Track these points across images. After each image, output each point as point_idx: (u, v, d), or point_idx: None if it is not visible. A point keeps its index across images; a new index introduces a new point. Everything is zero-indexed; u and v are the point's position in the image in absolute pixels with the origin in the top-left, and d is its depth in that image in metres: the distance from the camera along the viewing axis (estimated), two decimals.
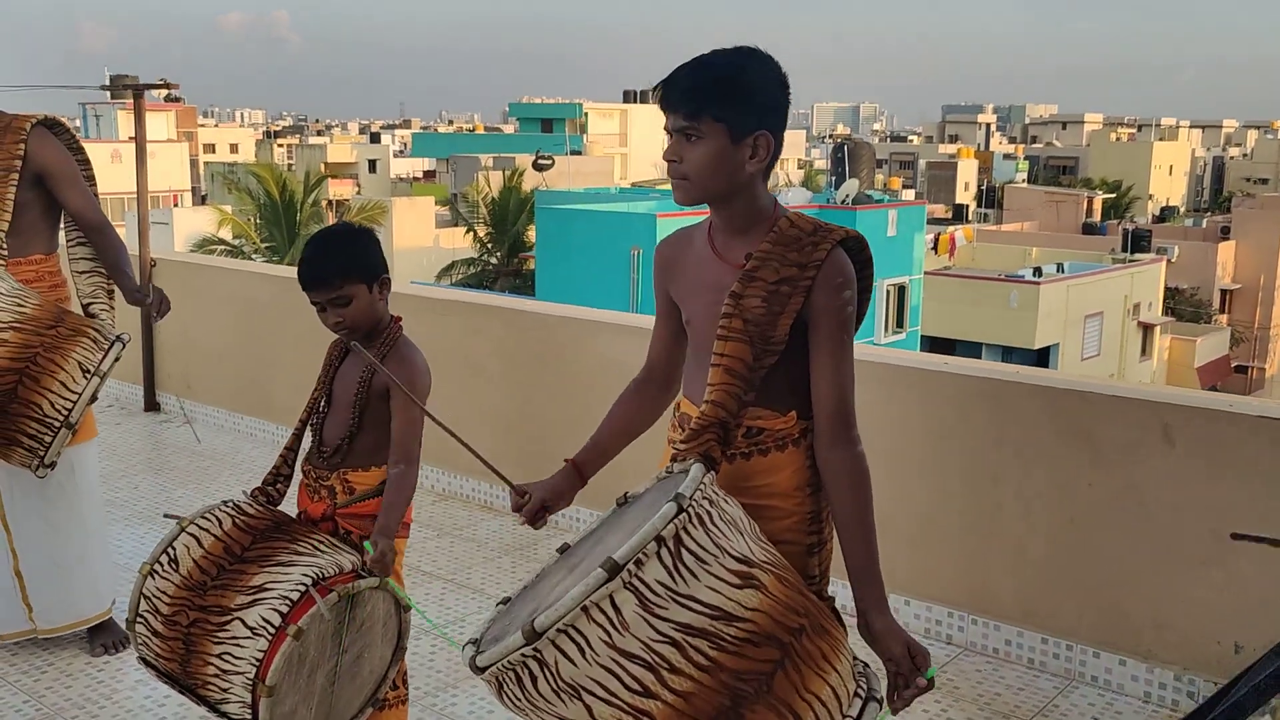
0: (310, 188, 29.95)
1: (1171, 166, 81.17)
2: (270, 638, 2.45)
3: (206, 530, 2.65)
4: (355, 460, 2.81)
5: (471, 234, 35.67)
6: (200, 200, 44.22)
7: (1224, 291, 46.27)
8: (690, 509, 1.74)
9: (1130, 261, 37.10)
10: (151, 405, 6.81)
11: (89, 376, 3.42)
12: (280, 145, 68.66)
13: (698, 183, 2.10)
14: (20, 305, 3.40)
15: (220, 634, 2.50)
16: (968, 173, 77.33)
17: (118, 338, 3.54)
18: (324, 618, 2.50)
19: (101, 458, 5.81)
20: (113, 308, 3.74)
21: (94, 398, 3.47)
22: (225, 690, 2.50)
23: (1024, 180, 79.51)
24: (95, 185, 3.79)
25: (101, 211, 3.73)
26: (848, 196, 26.65)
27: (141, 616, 2.61)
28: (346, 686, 2.67)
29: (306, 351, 6.19)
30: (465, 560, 4.65)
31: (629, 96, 70.30)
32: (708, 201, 2.14)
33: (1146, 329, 35.67)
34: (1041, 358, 30.19)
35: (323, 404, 2.88)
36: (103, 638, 3.82)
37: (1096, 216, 54.16)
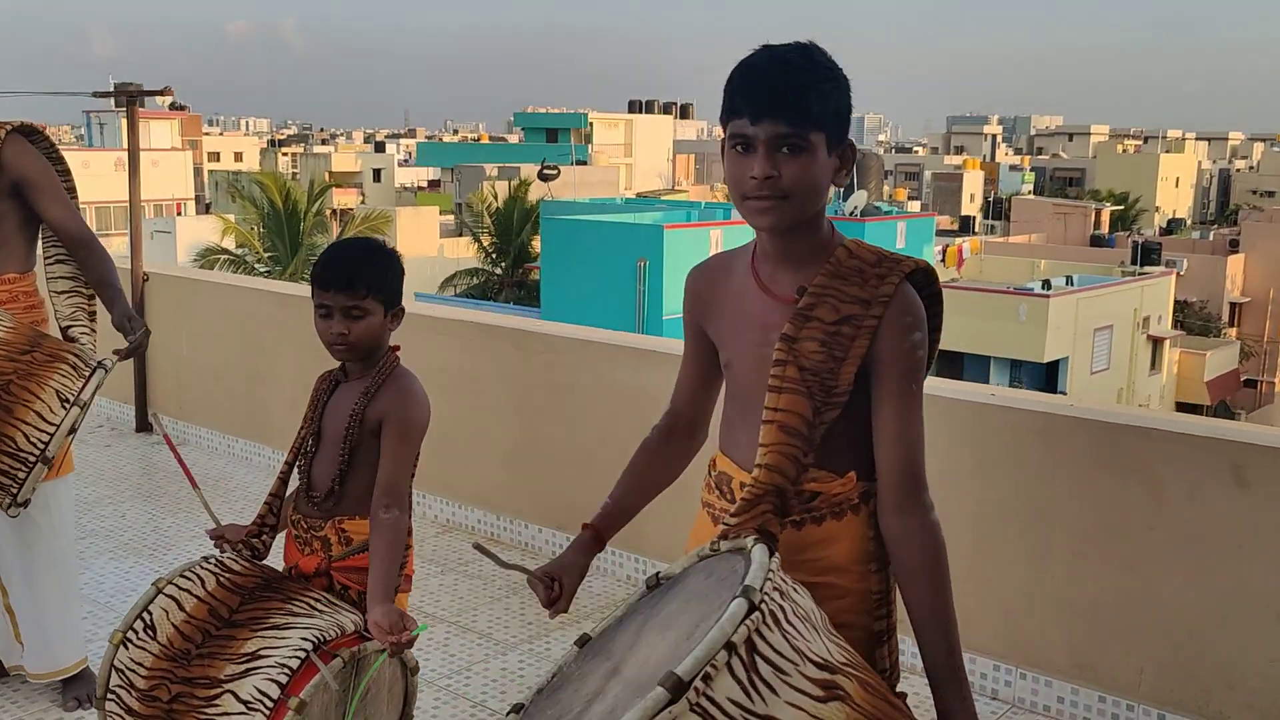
0: (314, 197, 29.71)
1: (1178, 179, 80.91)
2: (268, 712, 2.17)
3: (187, 591, 2.37)
4: (349, 506, 2.52)
5: (476, 244, 35.44)
6: (204, 209, 44.02)
7: (1233, 305, 45.96)
8: (763, 605, 1.44)
9: (1140, 274, 36.80)
10: (143, 426, 6.53)
11: (68, 406, 3.13)
12: (284, 154, 68.49)
13: (799, 203, 1.78)
14: None
15: (209, 710, 2.21)
16: (973, 184, 77.08)
17: (100, 364, 3.26)
18: (329, 687, 2.21)
19: (89, 483, 5.55)
20: (94, 331, 3.46)
21: (73, 430, 3.19)
22: None
23: (1030, 192, 79.30)
24: (76, 197, 3.51)
25: (86, 225, 3.45)
26: (856, 208, 26.40)
27: (113, 692, 2.32)
28: None
29: (306, 371, 5.89)
30: (470, 600, 4.36)
31: (634, 106, 70.22)
32: (793, 227, 1.83)
33: (1156, 342, 35.33)
34: (1050, 371, 29.90)
35: (310, 443, 2.59)
36: (76, 690, 3.52)
37: (1105, 228, 53.84)
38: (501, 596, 4.39)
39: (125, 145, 6.58)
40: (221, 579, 2.41)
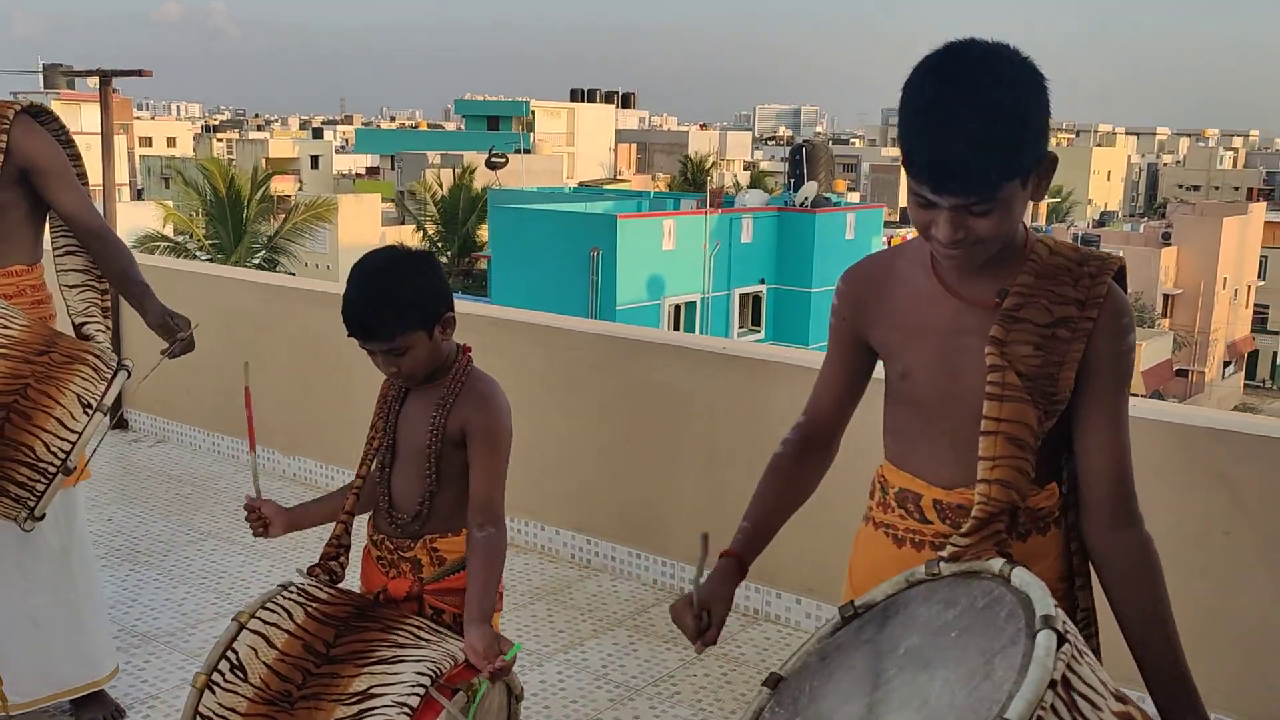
0: (258, 184, 29.06)
1: (1109, 172, 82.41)
2: None
3: (275, 625, 2.16)
4: (440, 523, 2.33)
5: (421, 233, 34.98)
6: (136, 195, 42.90)
7: (1166, 296, 46.88)
8: (1068, 635, 1.30)
9: None
10: (119, 423, 6.23)
11: (90, 412, 2.89)
12: (219, 140, 67.08)
13: (992, 246, 1.62)
14: (5, 327, 2.86)
15: None
16: None
17: (121, 365, 3.02)
18: None
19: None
20: (109, 329, 3.21)
21: (102, 436, 2.95)
22: None
23: None
24: (88, 183, 3.25)
25: (99, 214, 3.20)
26: (807, 199, 26.41)
27: None
28: None
29: (295, 365, 5.69)
30: None
31: (576, 95, 69.77)
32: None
33: None
34: None
35: (386, 457, 2.39)
36: (91, 712, 3.28)
37: (1041, 221, 54.60)
38: (525, 603, 4.20)
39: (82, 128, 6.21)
40: (310, 610, 2.20)
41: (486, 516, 2.28)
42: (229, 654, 2.13)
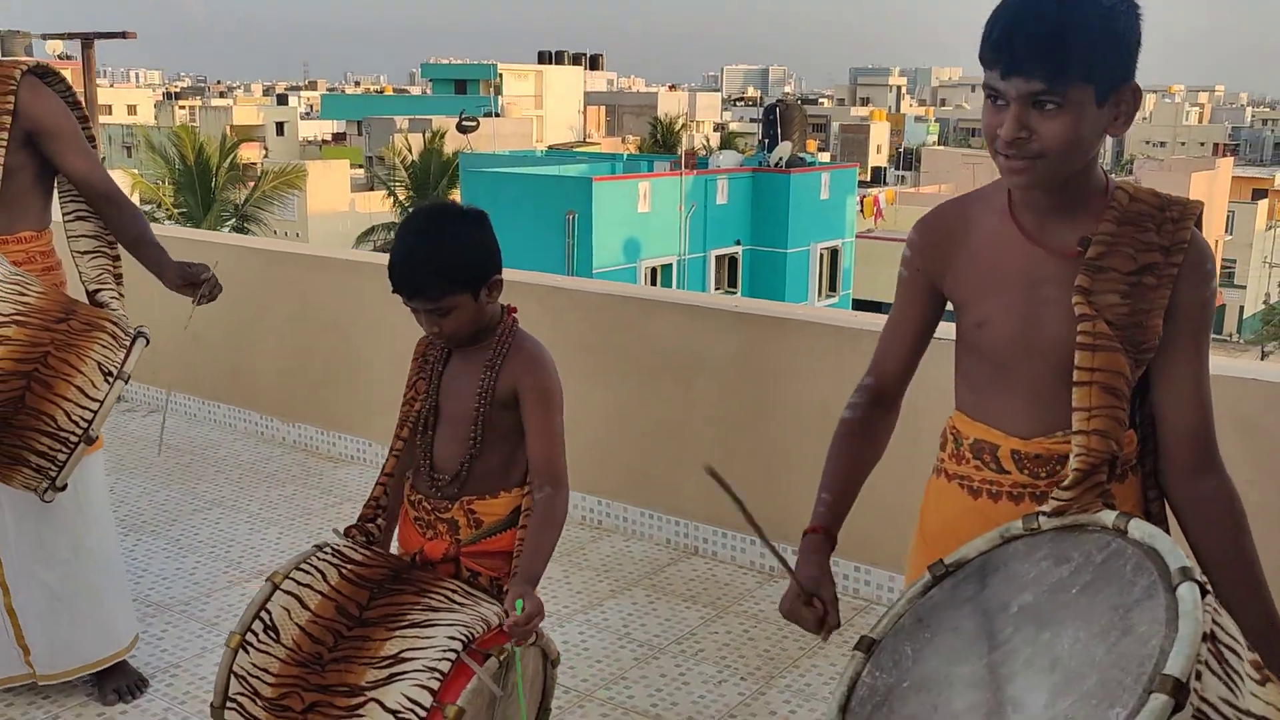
0: (226, 152, 28.64)
1: None
2: None
3: (308, 587, 2.13)
4: (479, 485, 2.30)
5: (391, 198, 34.66)
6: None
7: None
8: (1206, 587, 1.29)
9: None
10: None
11: (111, 380, 2.84)
12: (182, 107, 66.09)
13: (1056, 164, 1.60)
14: (22, 294, 2.79)
15: None
16: (880, 135, 77.78)
17: (139, 332, 2.96)
18: (485, 692, 2.00)
19: None
20: (122, 295, 3.15)
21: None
22: None
23: (935, 142, 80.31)
24: (97, 146, 3.18)
25: (110, 178, 3.13)
26: (781, 159, 26.33)
27: (234, 700, 2.08)
28: None
29: (296, 333, 5.61)
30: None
31: (543, 57, 69.17)
32: (1054, 183, 1.65)
33: None
34: None
35: (428, 418, 2.35)
36: (114, 682, 3.24)
37: None
38: None
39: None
40: (344, 571, 2.17)
41: (547, 477, 2.24)
42: (262, 614, 2.10)
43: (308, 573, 2.16)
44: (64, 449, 2.78)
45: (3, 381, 2.69)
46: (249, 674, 2.06)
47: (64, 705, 3.18)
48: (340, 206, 38.35)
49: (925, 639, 1.48)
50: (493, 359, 2.28)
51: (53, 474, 2.81)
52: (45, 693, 3.23)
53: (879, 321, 4.05)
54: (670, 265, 24.66)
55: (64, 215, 3.15)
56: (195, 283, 3.05)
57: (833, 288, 27.33)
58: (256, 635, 2.08)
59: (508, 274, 2.36)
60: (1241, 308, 50.71)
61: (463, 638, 2.04)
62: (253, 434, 5.62)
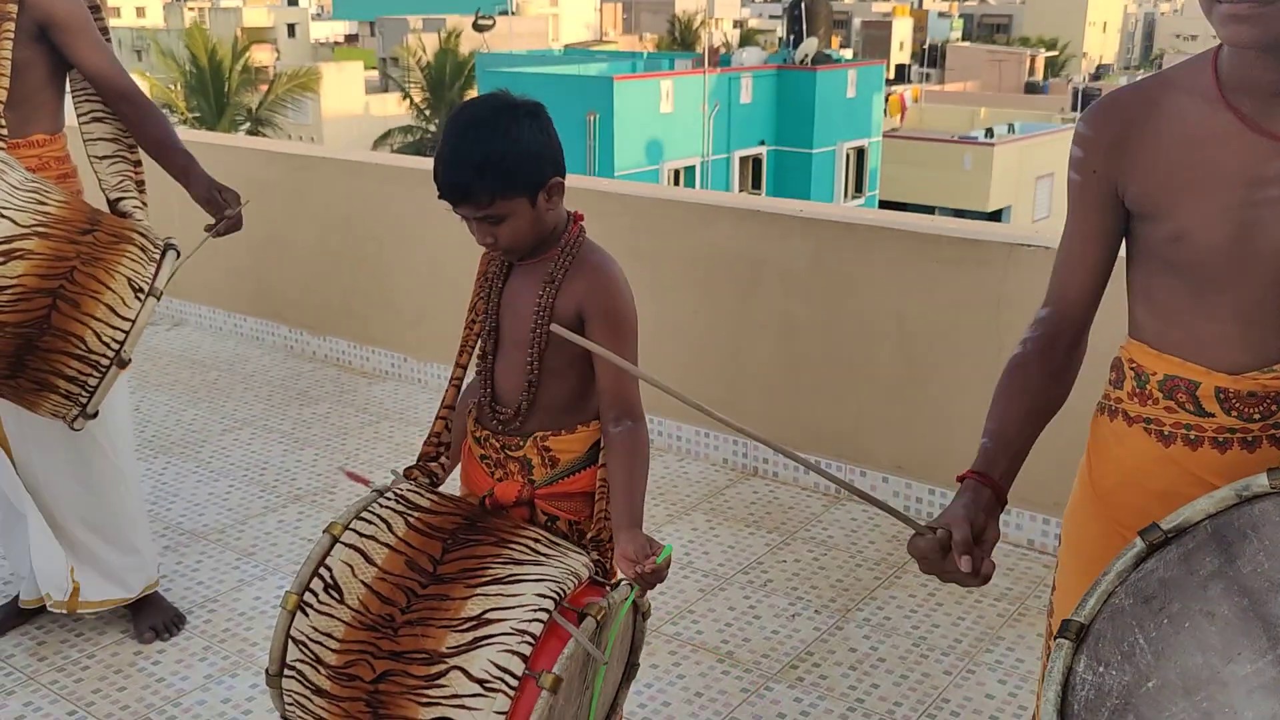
0: (238, 54, 27.98)
1: (1105, 23, 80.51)
2: (512, 692, 1.71)
3: (372, 539, 1.87)
4: (549, 419, 2.03)
5: (407, 100, 34.01)
6: None
7: None
8: None
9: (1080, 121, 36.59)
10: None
11: (142, 298, 2.59)
12: (190, 9, 64.84)
13: None
14: (41, 202, 2.52)
15: (430, 691, 1.74)
16: (902, 31, 75.88)
17: (170, 244, 2.70)
18: (581, 656, 1.77)
19: None
20: (145, 205, 2.87)
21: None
22: None
23: (959, 38, 78.42)
24: (110, 40, 2.88)
25: (128, 75, 2.83)
26: (806, 56, 25.60)
27: (292, 668, 1.84)
28: None
29: (324, 241, 5.32)
30: None
31: None
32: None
33: None
34: (994, 220, 29.87)
35: (489, 343, 2.08)
36: (150, 619, 3.05)
37: (1039, 75, 53.45)
38: None
39: None
40: (411, 520, 1.91)
41: (621, 409, 1.98)
42: (322, 571, 1.86)
43: (370, 523, 1.90)
44: (95, 373, 2.54)
45: (26, 300, 2.43)
46: (309, 639, 1.82)
47: (99, 644, 2.99)
48: (355, 110, 37.66)
49: (1164, 626, 1.19)
50: (553, 273, 1.99)
51: (83, 400, 2.57)
52: (78, 630, 3.04)
53: (958, 227, 3.75)
54: (694, 167, 24.14)
55: (79, 117, 2.86)
56: (219, 206, 2.78)
57: (859, 189, 26.77)
58: (316, 595, 1.84)
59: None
60: None
61: (554, 595, 1.79)
62: (281, 348, 5.38)
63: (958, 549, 1.37)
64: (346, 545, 1.86)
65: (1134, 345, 1.54)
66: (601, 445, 2.01)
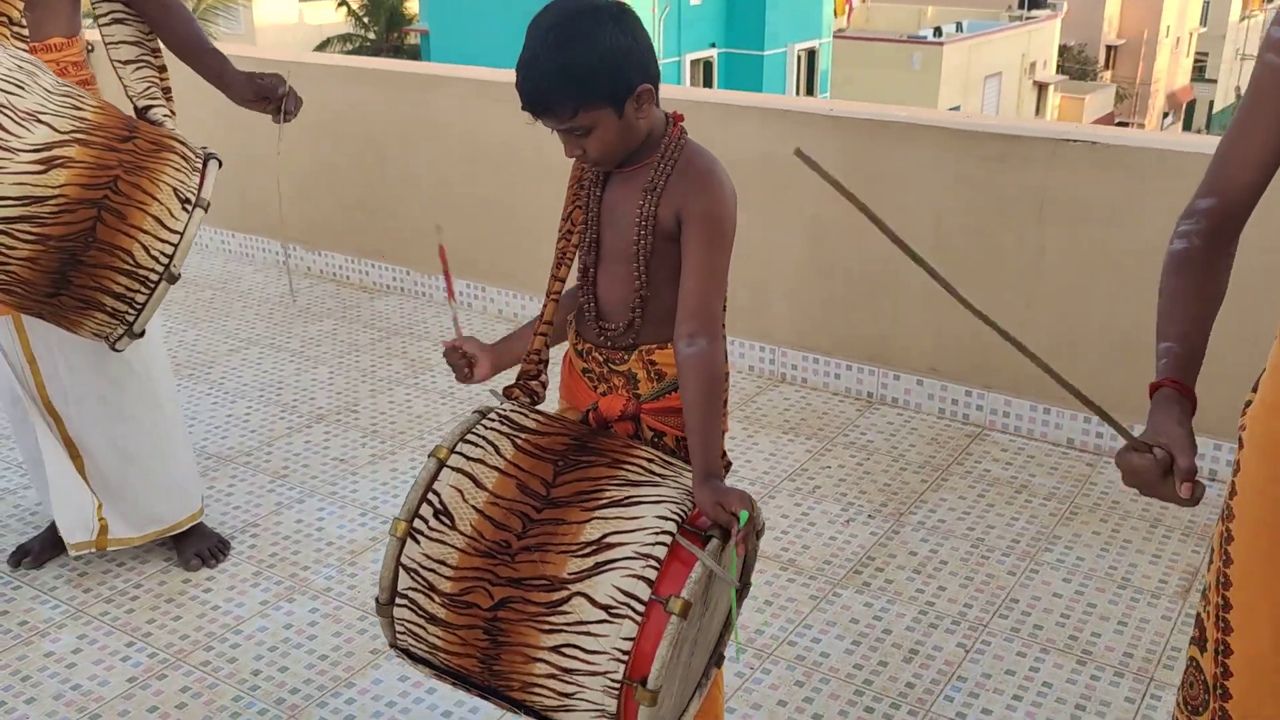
0: None
1: None
2: (639, 618, 1.66)
3: (481, 462, 1.79)
4: (657, 332, 1.93)
5: (343, 6, 33.01)
6: None
7: (1109, 47, 46.24)
8: None
9: (1027, 19, 36.46)
10: None
11: (190, 208, 2.45)
12: None
13: None
14: (77, 108, 2.36)
15: (553, 618, 1.68)
16: None
17: (210, 154, 2.55)
18: (707, 578, 1.71)
19: None
20: (174, 114, 2.71)
21: None
22: (568, 696, 1.71)
23: None
24: None
25: None
26: None
27: (405, 596, 1.77)
28: (699, 651, 1.90)
29: (314, 154, 5.12)
30: None
31: None
32: None
33: (1041, 88, 35.50)
34: None
35: (590, 254, 1.97)
36: (195, 546, 2.96)
37: None
38: None
39: None
40: (518, 441, 1.82)
41: (699, 324, 1.82)
42: (430, 497, 1.78)
43: (477, 445, 1.82)
44: (143, 289, 2.41)
45: (69, 211, 2.28)
46: (421, 566, 1.75)
47: (143, 574, 2.90)
48: (288, 19, 36.49)
49: None
50: (654, 179, 1.86)
51: (130, 318, 2.44)
52: (119, 559, 2.94)
53: (999, 123, 3.67)
54: None
55: (99, 19, 2.68)
56: (269, 96, 2.64)
57: (810, 91, 26.52)
58: (426, 522, 1.76)
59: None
60: (1211, 102, 50.22)
61: (675, 516, 1.73)
62: (274, 264, 5.21)
63: (1183, 475, 1.30)
64: (454, 469, 1.78)
65: None
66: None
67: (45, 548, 2.94)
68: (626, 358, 1.94)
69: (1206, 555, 1.54)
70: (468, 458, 1.80)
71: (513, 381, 2.00)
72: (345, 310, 4.70)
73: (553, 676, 1.70)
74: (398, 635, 1.84)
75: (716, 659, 1.98)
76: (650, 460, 1.84)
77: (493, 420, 1.87)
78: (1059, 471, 3.40)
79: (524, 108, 1.81)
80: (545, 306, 2.00)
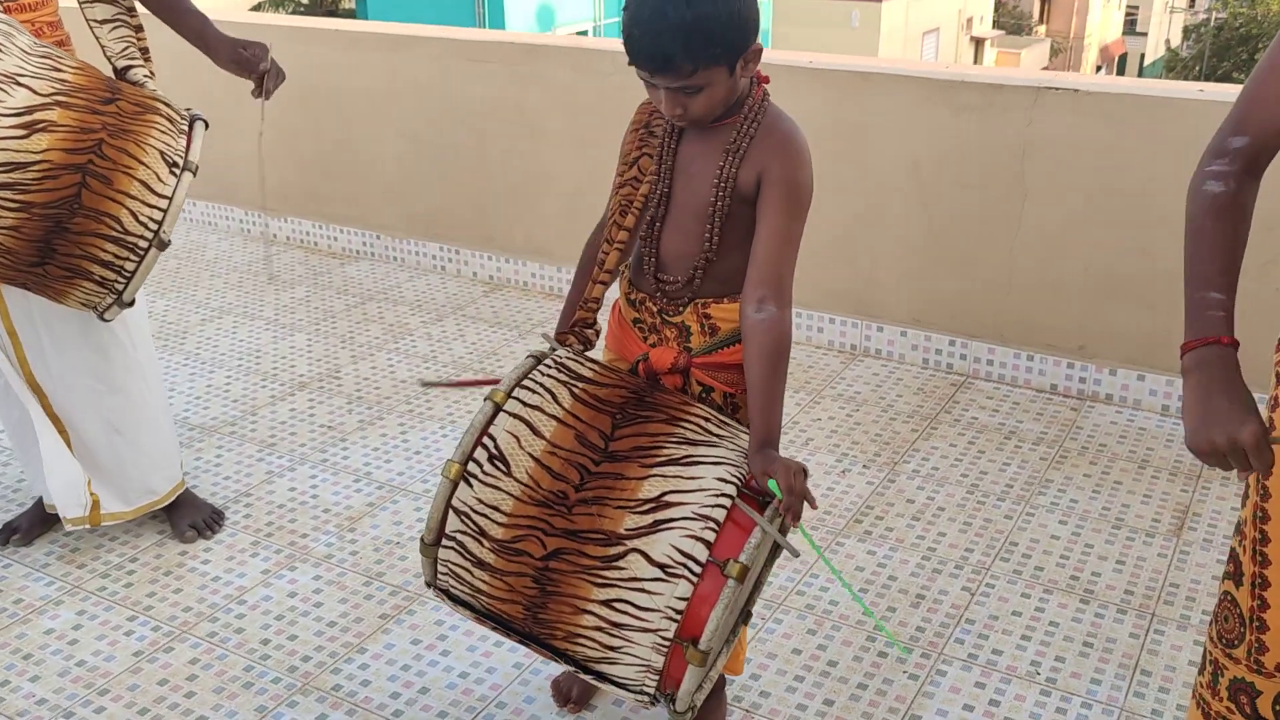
0: None
1: None
2: (695, 579, 1.65)
3: (538, 409, 1.77)
4: (715, 287, 1.90)
5: None
6: None
7: (1043, 2, 46.62)
8: None
9: None
10: None
11: (178, 172, 2.38)
12: None
13: None
14: (57, 69, 2.28)
15: (607, 573, 1.67)
16: None
17: (196, 115, 2.49)
18: (765, 544, 1.70)
19: None
20: (153, 75, 2.63)
21: None
22: (614, 650, 1.70)
23: None
24: None
25: None
26: None
27: (452, 538, 1.75)
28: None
29: (280, 120, 4.99)
30: None
31: None
32: None
33: (978, 43, 35.71)
34: None
35: (658, 207, 1.93)
36: (189, 517, 2.91)
37: None
38: None
39: None
40: (576, 390, 1.80)
41: (771, 290, 1.80)
42: (485, 441, 1.76)
43: (535, 391, 1.79)
44: (133, 256, 2.35)
45: (53, 178, 2.21)
46: (473, 510, 1.73)
47: (138, 548, 2.84)
48: None
49: None
50: (737, 140, 1.82)
51: (119, 287, 2.38)
52: (111, 534, 2.89)
53: (979, 72, 3.68)
54: (586, 32, 23.54)
55: None
56: (251, 65, 2.57)
57: None
58: (480, 466, 1.74)
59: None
60: (1142, 55, 50.83)
61: (735, 479, 1.72)
62: (238, 232, 5.12)
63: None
64: (511, 415, 1.76)
65: None
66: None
67: (34, 524, 2.87)
68: (681, 310, 1.92)
69: (1242, 491, 1.56)
70: (525, 404, 1.78)
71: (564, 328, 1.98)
72: (316, 277, 4.63)
73: (600, 629, 1.69)
74: (440, 576, 1.82)
75: (744, 616, 1.98)
76: (707, 419, 1.83)
77: (549, 366, 1.84)
78: (1045, 416, 3.45)
79: (637, 64, 1.73)
80: (609, 255, 1.92)
